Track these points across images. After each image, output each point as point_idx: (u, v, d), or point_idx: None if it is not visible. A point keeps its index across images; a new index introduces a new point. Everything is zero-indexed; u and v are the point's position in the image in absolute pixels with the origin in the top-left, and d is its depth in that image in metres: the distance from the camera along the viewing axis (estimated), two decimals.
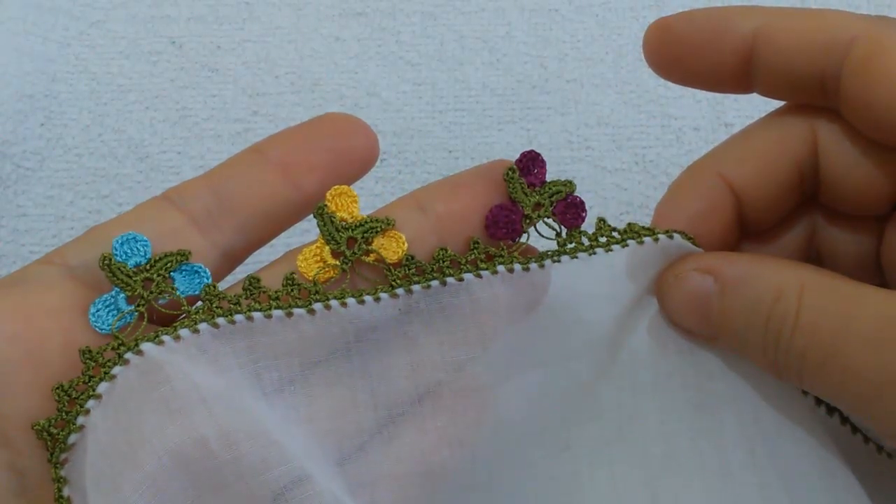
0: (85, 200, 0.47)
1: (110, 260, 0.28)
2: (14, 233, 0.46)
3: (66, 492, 0.26)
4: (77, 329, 0.27)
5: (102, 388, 0.26)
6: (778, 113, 0.31)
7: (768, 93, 0.30)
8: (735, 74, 0.29)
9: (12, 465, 0.26)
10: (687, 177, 0.31)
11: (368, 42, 0.52)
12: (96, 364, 0.27)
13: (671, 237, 0.30)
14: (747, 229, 0.31)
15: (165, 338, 0.27)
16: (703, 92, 0.50)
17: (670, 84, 0.51)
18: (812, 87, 0.28)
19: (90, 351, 0.27)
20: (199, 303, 0.29)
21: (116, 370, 0.26)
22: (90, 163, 0.48)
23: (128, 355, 0.27)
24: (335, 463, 0.28)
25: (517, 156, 0.31)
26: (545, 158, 0.31)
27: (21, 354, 0.26)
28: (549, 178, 0.31)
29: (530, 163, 0.31)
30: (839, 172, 0.29)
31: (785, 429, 0.29)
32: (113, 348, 0.27)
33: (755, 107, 0.49)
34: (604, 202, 0.47)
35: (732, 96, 0.49)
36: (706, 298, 0.28)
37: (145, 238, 0.28)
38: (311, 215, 0.30)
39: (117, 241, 0.28)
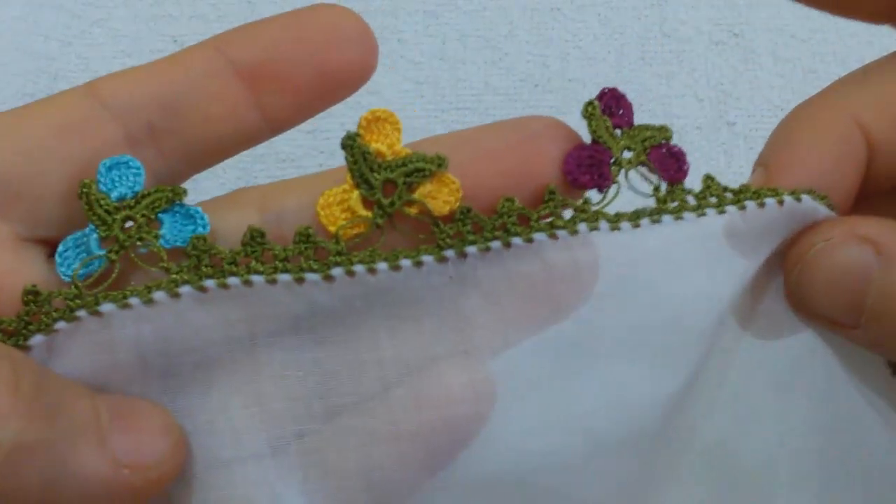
0: None
1: (90, 188, 0.22)
2: None
3: None
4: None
5: (36, 340, 0.21)
6: None
7: None
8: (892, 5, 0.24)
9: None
10: (809, 119, 0.25)
11: None
12: (38, 311, 0.21)
13: (799, 199, 0.23)
14: (866, 189, 0.25)
15: (134, 300, 0.21)
16: (706, 91, 0.50)
17: (672, 83, 0.51)
18: None
19: (37, 293, 0.21)
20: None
21: (60, 325, 0.21)
22: None
23: (80, 312, 0.21)
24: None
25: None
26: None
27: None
28: None
29: (614, 102, 0.24)
30: None
31: None
32: (67, 298, 0.21)
33: (756, 106, 0.49)
34: None
35: (735, 95, 0.49)
36: (864, 274, 0.23)
37: (139, 165, 0.22)
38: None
39: (104, 165, 0.22)
